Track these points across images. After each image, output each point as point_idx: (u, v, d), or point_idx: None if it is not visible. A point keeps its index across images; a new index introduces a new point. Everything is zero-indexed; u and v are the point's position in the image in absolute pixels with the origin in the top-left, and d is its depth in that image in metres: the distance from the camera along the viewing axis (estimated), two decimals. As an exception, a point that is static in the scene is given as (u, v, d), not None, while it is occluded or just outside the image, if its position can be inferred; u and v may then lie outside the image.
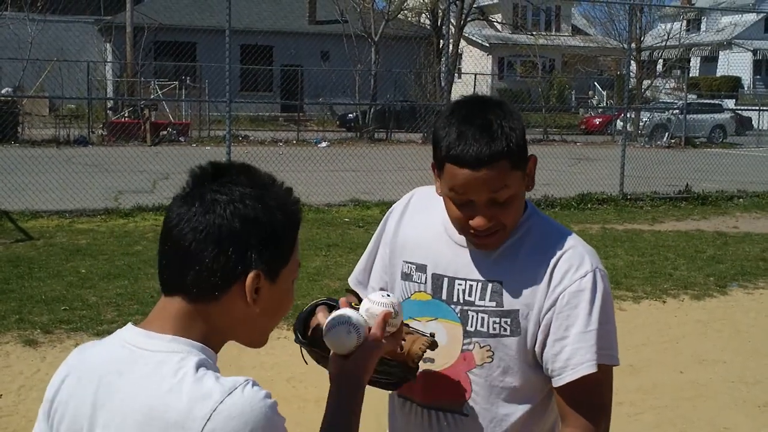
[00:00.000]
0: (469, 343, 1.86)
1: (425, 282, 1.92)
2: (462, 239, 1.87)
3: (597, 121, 32.81)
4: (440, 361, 1.90)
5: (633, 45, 27.13)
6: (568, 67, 38.94)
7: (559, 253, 1.82)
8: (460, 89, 33.74)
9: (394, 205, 2.09)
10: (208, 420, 1.21)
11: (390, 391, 1.95)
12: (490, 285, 1.84)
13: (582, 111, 36.60)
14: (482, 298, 1.84)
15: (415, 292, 1.94)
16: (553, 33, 42.49)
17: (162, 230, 1.36)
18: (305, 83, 30.17)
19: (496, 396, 1.87)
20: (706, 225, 12.43)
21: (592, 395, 1.81)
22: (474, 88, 30.44)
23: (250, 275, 1.32)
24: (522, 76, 36.80)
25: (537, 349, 1.84)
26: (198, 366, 1.28)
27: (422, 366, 1.88)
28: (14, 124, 21.33)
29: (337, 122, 30.36)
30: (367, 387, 1.65)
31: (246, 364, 5.52)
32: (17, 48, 23.89)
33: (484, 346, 1.85)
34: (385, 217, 2.10)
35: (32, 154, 17.18)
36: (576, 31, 44.75)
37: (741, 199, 15.09)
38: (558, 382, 1.81)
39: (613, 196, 14.30)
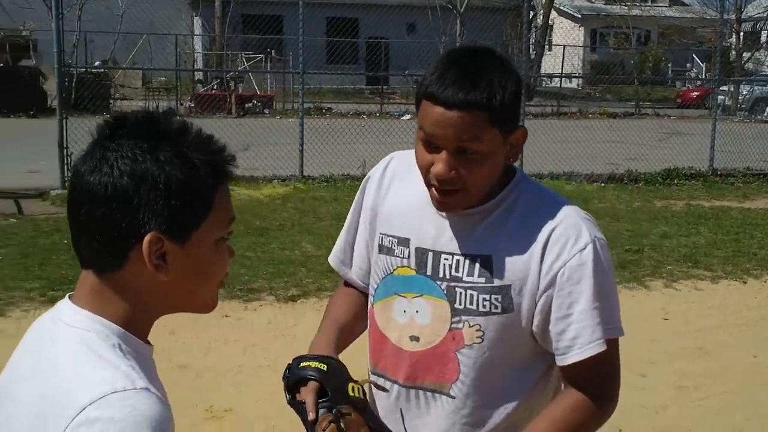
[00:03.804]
0: (458, 322, 1.72)
1: (408, 256, 1.78)
2: None
3: (694, 94, 31.58)
4: (425, 340, 1.77)
5: (733, 16, 25.95)
6: (664, 38, 37.57)
7: (553, 224, 1.68)
8: (550, 61, 33.01)
9: (370, 172, 1.94)
10: (81, 411, 1.10)
11: None
12: (478, 259, 1.70)
13: (678, 84, 35.31)
14: (470, 273, 1.70)
15: (398, 267, 1.80)
16: (649, 4, 41.02)
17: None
18: (390, 55, 29.88)
19: (487, 377, 1.73)
20: (800, 203, 11.77)
21: (601, 372, 1.70)
22: (562, 61, 29.70)
23: (146, 239, 1.18)
24: (615, 48, 35.71)
25: (536, 328, 1.70)
26: (104, 351, 1.18)
27: (407, 346, 1.78)
28: (106, 96, 21.83)
29: (422, 95, 30.08)
30: None
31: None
32: (108, 22, 24.45)
33: (473, 325, 1.71)
34: (361, 186, 1.95)
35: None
36: (673, 1, 43.13)
37: (842, 177, 14.24)
38: (563, 361, 1.69)
39: (702, 172, 13.70)
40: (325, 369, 1.67)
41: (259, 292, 6.66)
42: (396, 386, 1.82)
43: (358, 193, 1.94)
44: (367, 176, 1.93)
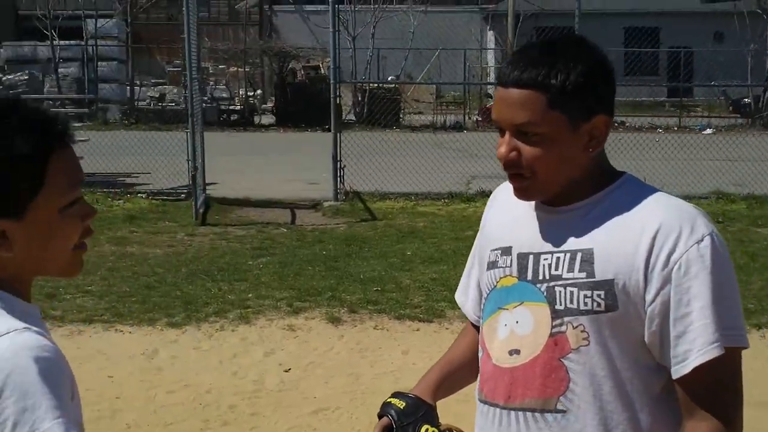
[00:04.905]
0: (561, 324, 1.58)
1: (510, 265, 1.67)
2: (546, 208, 1.65)
3: None
4: (526, 351, 1.62)
5: None
6: None
7: (663, 215, 1.54)
8: None
9: None
10: None
11: None
12: (579, 254, 1.58)
13: None
14: (570, 269, 1.58)
15: (501, 278, 1.69)
16: None
17: None
18: (694, 66, 28.19)
19: (600, 387, 1.57)
20: None
21: (724, 384, 1.53)
22: None
23: None
24: None
25: (651, 336, 1.54)
26: None
27: (506, 362, 1.64)
28: (396, 110, 22.58)
29: (731, 107, 27.98)
30: None
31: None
32: (400, 38, 25.31)
33: (577, 326, 1.57)
34: None
35: (406, 138, 17.91)
36: None
37: None
38: (682, 369, 1.51)
39: None
40: (402, 407, 1.73)
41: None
42: (497, 410, 1.66)
43: None
44: None
